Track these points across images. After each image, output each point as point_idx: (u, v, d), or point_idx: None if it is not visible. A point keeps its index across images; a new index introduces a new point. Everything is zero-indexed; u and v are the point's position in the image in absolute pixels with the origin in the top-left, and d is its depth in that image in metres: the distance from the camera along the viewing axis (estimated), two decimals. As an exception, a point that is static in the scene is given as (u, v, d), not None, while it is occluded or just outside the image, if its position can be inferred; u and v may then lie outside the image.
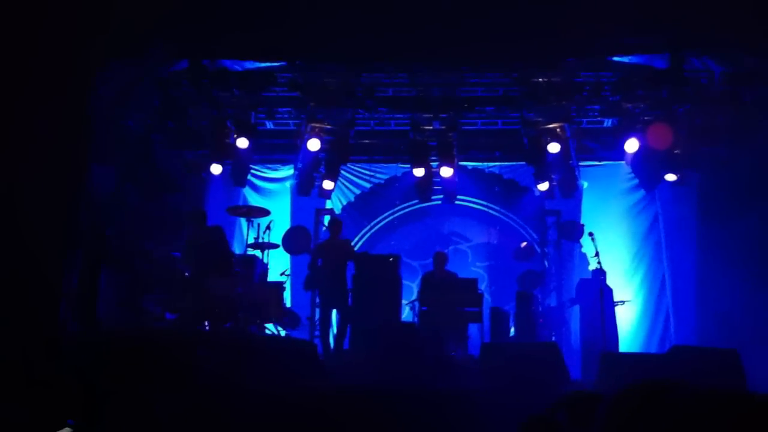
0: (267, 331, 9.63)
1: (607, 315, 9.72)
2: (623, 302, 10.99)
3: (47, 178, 8.35)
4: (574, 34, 9.60)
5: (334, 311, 10.23)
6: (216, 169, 11.43)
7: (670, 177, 11.46)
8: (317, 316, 10.81)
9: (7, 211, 7.83)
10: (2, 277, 7.56)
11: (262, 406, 7.11)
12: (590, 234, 10.00)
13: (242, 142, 11.29)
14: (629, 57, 10.73)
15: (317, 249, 10.58)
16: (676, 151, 11.39)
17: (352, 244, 11.29)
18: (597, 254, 9.74)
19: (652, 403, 3.09)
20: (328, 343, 10.08)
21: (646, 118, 11.32)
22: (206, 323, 8.98)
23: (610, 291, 10.33)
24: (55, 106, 8.39)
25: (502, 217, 13.15)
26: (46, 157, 8.31)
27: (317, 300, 10.86)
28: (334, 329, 10.21)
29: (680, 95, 10.87)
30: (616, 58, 10.81)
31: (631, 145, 11.33)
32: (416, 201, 12.79)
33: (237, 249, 11.07)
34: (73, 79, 8.64)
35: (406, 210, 13.23)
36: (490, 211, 13.17)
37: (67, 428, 5.70)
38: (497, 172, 13.05)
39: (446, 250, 11.41)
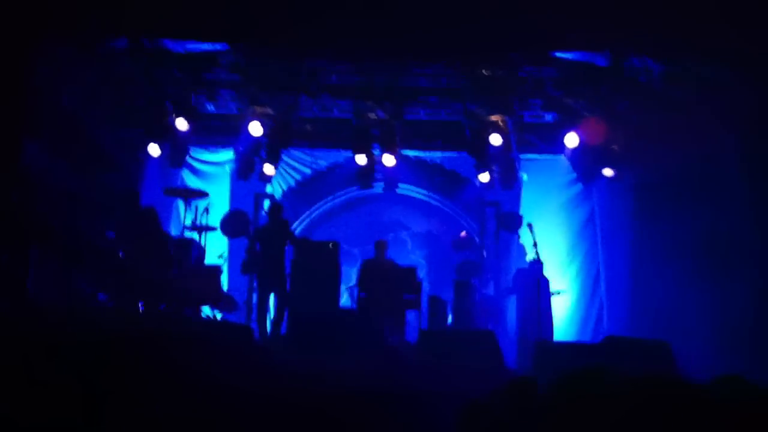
0: (203, 315, 9.51)
1: (543, 305, 9.86)
2: (559, 292, 11.16)
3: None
4: (518, 28, 9.68)
5: (272, 296, 10.14)
6: (154, 149, 11.19)
7: (608, 172, 11.67)
8: (254, 300, 10.69)
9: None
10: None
11: (194, 390, 7.00)
12: (529, 225, 10.12)
13: (181, 124, 11.09)
14: (571, 54, 10.88)
15: (256, 233, 10.46)
16: (613, 147, 11.61)
17: (292, 228, 11.19)
18: (535, 245, 9.87)
19: (589, 389, 3.12)
20: (265, 328, 9.99)
21: (586, 114, 11.51)
22: (140, 304, 8.80)
23: (546, 281, 10.48)
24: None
25: (442, 206, 13.23)
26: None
27: (254, 284, 10.74)
28: (272, 314, 10.12)
29: (619, 92, 11.07)
30: (558, 54, 10.94)
31: (571, 140, 11.53)
32: (357, 188, 12.76)
33: (174, 231, 10.87)
34: (8, 53, 8.38)
35: (347, 197, 13.19)
36: (431, 201, 13.22)
37: None
38: (439, 162, 13.09)
39: (386, 238, 11.41)
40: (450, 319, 10.91)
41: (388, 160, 11.75)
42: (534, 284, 9.89)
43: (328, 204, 13.20)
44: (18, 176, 9.02)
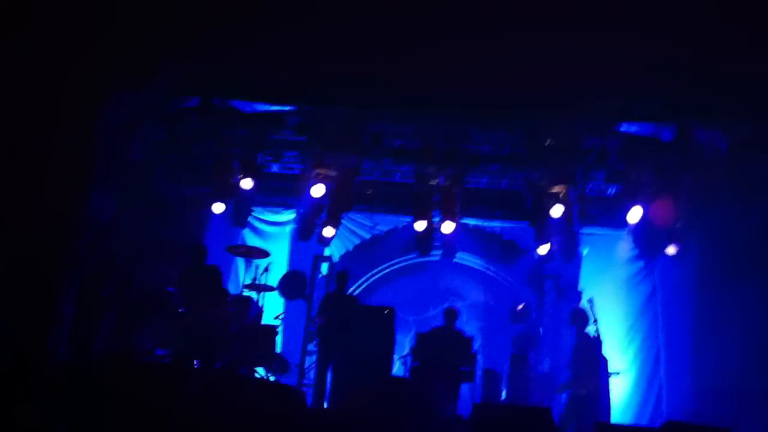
0: (257, 375, 9.46)
1: (602, 384, 9.58)
2: (617, 373, 10.83)
3: (46, 202, 8.29)
4: (582, 97, 9.68)
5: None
6: (218, 207, 11.35)
7: (671, 250, 11.43)
8: (307, 363, 10.63)
9: (4, 235, 7.77)
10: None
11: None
12: (589, 300, 9.91)
13: (246, 183, 11.25)
14: (636, 126, 10.80)
15: (325, 301, 10.40)
16: (677, 225, 11.40)
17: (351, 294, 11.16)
18: (595, 321, 9.63)
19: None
20: (322, 394, 9.85)
21: (650, 188, 11.34)
22: (196, 361, 8.82)
23: (605, 360, 10.19)
24: (60, 133, 8.38)
25: (498, 278, 13.08)
26: (46, 182, 8.28)
27: (308, 348, 10.69)
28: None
29: (684, 166, 10.92)
30: (622, 128, 10.87)
31: (634, 215, 11.33)
32: (414, 255, 12.71)
33: (232, 289, 10.93)
34: (80, 106, 8.65)
35: (404, 263, 13.14)
36: (488, 271, 13.09)
37: None
38: (497, 231, 13.01)
39: (443, 307, 11.25)
40: (504, 394, 10.68)
41: (448, 227, 11.70)
42: (592, 363, 9.63)
43: (385, 269, 13.16)
44: (85, 227, 9.21)
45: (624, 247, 12.30)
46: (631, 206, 11.37)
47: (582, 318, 10.35)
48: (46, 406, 6.54)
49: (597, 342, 9.96)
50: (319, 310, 10.21)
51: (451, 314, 10.64)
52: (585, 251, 12.37)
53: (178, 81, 9.97)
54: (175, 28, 8.82)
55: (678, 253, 11.48)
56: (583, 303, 10.86)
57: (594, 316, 9.71)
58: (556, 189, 11.54)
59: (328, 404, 9.60)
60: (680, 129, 10.50)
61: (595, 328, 9.68)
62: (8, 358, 7.05)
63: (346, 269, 11.08)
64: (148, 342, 8.83)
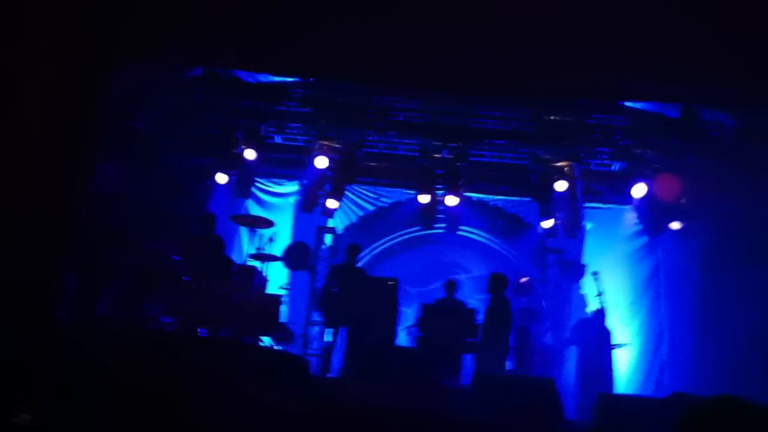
0: (261, 344, 9.49)
1: (606, 356, 9.63)
2: (622, 345, 10.88)
3: (49, 172, 8.25)
4: (588, 76, 9.62)
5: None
6: (221, 178, 11.34)
7: (675, 225, 11.47)
8: (311, 333, 10.66)
9: (7, 203, 7.72)
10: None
11: (249, 415, 6.98)
12: (595, 273, 9.94)
13: (250, 154, 11.23)
14: (642, 104, 10.78)
15: (333, 271, 10.41)
16: (682, 201, 11.40)
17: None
18: (600, 294, 9.68)
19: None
20: (328, 363, 9.89)
21: (655, 165, 11.35)
22: (202, 329, 8.84)
23: (609, 333, 10.24)
24: (65, 102, 8.31)
25: (502, 251, 13.07)
26: (51, 152, 8.22)
27: (312, 318, 10.71)
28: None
29: (690, 145, 10.91)
30: (628, 104, 10.85)
31: (638, 191, 11.36)
32: (418, 228, 12.72)
33: (237, 258, 10.93)
34: (86, 76, 8.58)
35: (408, 236, 13.14)
36: (491, 244, 13.08)
37: None
38: (501, 205, 12.99)
39: (444, 280, 11.27)
40: (508, 365, 10.70)
41: (451, 200, 11.71)
42: (597, 335, 9.67)
43: (389, 242, 13.16)
44: (90, 197, 9.18)
45: (628, 221, 12.32)
46: (637, 182, 11.39)
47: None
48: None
49: (601, 314, 10.01)
50: (326, 281, 10.22)
51: (452, 286, 10.68)
52: (589, 226, 12.37)
53: (185, 51, 9.90)
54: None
55: (682, 229, 11.50)
56: (588, 276, 10.89)
57: (599, 288, 9.76)
58: (560, 164, 11.55)
59: (333, 373, 9.64)
60: (685, 108, 10.46)
61: (600, 301, 9.74)
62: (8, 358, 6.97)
63: (357, 243, 11.05)
64: (153, 310, 8.84)
